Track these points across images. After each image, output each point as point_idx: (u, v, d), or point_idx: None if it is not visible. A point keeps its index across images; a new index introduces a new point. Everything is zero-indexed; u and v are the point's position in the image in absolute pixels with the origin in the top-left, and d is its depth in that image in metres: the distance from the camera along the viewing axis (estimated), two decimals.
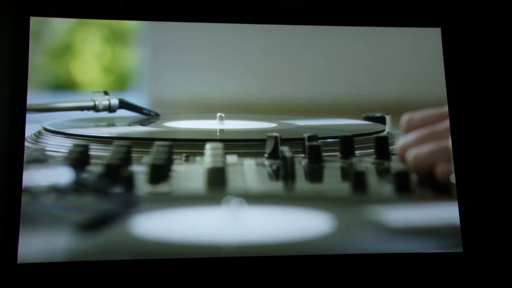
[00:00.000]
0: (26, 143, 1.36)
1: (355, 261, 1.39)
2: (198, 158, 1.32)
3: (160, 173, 1.24)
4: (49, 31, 1.49)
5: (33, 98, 1.41)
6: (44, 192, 1.26)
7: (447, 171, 1.30)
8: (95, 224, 1.23)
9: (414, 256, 1.38)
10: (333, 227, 1.25)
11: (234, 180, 1.27)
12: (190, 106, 1.46)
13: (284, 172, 1.28)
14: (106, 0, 1.50)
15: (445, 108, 1.39)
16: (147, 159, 1.27)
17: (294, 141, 1.35)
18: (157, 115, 1.52)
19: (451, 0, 1.60)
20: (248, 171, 1.29)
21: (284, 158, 1.28)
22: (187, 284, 1.37)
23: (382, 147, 1.34)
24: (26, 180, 1.30)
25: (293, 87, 1.50)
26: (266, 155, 1.32)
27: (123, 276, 1.34)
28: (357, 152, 1.35)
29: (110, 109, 1.45)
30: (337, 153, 1.34)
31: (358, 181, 1.27)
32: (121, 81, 1.54)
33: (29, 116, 1.39)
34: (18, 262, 1.28)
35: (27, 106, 1.39)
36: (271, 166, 1.30)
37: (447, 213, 1.39)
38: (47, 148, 1.33)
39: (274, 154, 1.30)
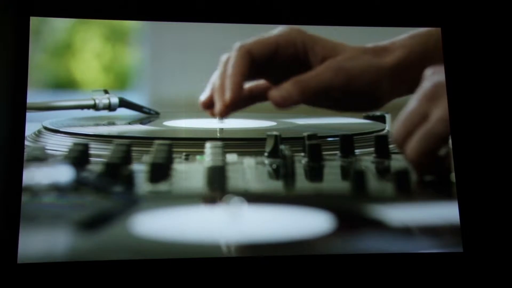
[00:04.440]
0: (26, 142, 1.36)
1: (355, 261, 1.39)
2: (198, 157, 1.32)
3: (160, 172, 1.24)
4: (49, 30, 1.49)
5: (33, 97, 1.41)
6: (44, 191, 1.26)
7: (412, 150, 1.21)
8: (95, 223, 1.23)
9: (414, 256, 1.38)
10: (333, 227, 1.24)
11: (234, 179, 1.27)
12: (190, 105, 1.46)
13: (284, 171, 1.28)
14: (106, 0, 1.51)
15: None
16: (147, 158, 1.27)
17: (293, 139, 1.35)
18: (157, 113, 1.52)
19: (451, 0, 1.60)
20: (248, 170, 1.29)
21: (284, 157, 1.28)
22: (187, 284, 1.36)
23: (382, 145, 1.34)
24: (26, 179, 1.30)
25: None
26: (266, 154, 1.32)
27: (123, 276, 1.34)
28: (357, 151, 1.35)
29: (110, 107, 1.45)
30: (337, 152, 1.34)
31: (358, 180, 1.27)
32: (121, 80, 1.54)
33: (29, 115, 1.39)
34: (18, 262, 1.28)
35: (27, 105, 1.39)
36: (271, 165, 1.30)
37: (447, 213, 1.39)
38: (47, 147, 1.33)
39: (274, 153, 1.30)
